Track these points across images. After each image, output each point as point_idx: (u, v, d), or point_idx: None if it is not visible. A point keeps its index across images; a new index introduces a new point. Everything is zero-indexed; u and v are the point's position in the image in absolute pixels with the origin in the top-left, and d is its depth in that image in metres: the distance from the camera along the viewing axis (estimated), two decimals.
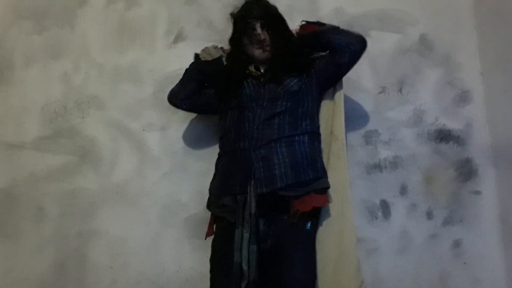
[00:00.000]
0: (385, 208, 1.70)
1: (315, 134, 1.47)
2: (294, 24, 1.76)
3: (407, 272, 1.67)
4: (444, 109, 1.75)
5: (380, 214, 1.70)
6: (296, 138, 1.40)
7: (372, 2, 1.79)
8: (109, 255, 1.71)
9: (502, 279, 1.66)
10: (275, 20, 1.49)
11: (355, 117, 1.74)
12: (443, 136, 1.73)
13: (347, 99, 1.74)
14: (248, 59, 1.51)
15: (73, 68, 1.83)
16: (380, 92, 1.75)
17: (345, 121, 1.73)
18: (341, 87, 1.55)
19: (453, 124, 1.74)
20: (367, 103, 1.75)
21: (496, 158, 1.70)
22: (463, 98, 1.75)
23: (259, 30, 1.45)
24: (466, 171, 1.72)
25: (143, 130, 1.77)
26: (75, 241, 1.73)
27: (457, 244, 1.68)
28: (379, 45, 1.76)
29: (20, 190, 1.77)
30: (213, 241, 1.42)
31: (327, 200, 1.40)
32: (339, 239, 1.40)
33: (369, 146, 1.72)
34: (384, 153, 1.72)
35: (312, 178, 1.36)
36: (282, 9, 1.75)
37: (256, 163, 1.35)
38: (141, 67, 1.81)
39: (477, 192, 1.70)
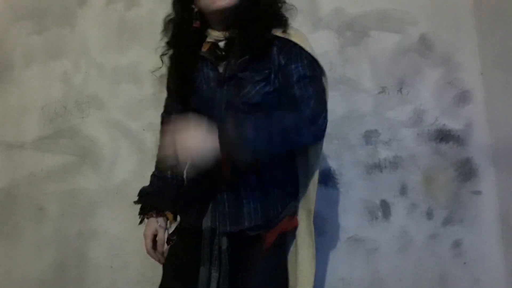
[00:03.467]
0: (385, 208, 1.70)
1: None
2: (294, 24, 1.76)
3: (407, 272, 1.67)
4: (444, 109, 1.75)
5: (380, 214, 1.70)
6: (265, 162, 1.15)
7: (372, 2, 1.79)
8: (109, 255, 1.71)
9: (502, 279, 1.66)
10: None
11: (355, 117, 1.74)
12: (443, 136, 1.73)
13: (347, 99, 1.75)
14: (202, 24, 1.17)
15: (73, 68, 1.83)
16: (380, 92, 1.75)
17: (345, 121, 1.74)
18: None
19: (453, 124, 1.74)
20: (367, 103, 1.75)
21: (496, 158, 1.70)
22: (463, 98, 1.75)
23: None
24: (466, 171, 1.72)
25: (143, 130, 1.77)
26: (75, 241, 1.73)
27: (457, 244, 1.68)
28: (379, 45, 1.76)
29: (20, 190, 1.77)
30: (171, 247, 1.26)
31: (296, 222, 1.23)
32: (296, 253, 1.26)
33: (369, 146, 1.73)
34: (384, 153, 1.72)
35: (281, 211, 1.17)
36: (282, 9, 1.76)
37: (220, 195, 1.13)
38: (141, 67, 1.81)
39: (477, 192, 1.71)
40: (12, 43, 1.86)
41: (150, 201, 1.27)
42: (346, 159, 1.72)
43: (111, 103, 1.79)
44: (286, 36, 1.12)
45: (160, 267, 1.67)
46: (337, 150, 1.72)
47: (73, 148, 1.78)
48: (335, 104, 1.74)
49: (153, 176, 1.31)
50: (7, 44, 1.87)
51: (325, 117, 1.09)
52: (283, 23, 1.14)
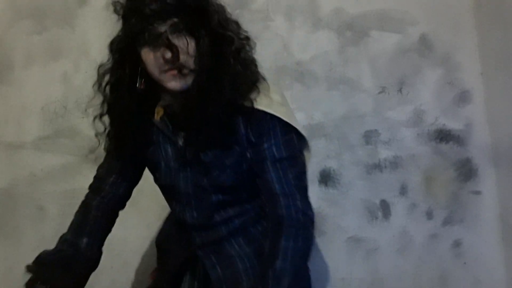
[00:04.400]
0: (385, 208, 1.70)
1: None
2: (294, 24, 1.77)
3: (407, 272, 1.67)
4: (444, 109, 1.74)
5: (380, 214, 1.70)
6: (249, 221, 1.02)
7: (372, 2, 1.79)
8: (109, 255, 1.70)
9: (502, 279, 1.66)
10: (201, 17, 0.88)
11: (355, 117, 1.74)
12: (443, 136, 1.73)
13: (347, 99, 1.75)
14: (150, 91, 0.96)
15: (73, 68, 1.83)
16: (380, 92, 1.75)
17: (345, 121, 1.74)
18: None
19: (453, 124, 1.73)
20: (367, 103, 1.74)
21: (496, 158, 1.70)
22: (463, 98, 1.75)
23: (169, 38, 0.86)
24: (466, 171, 1.72)
25: None
26: None
27: (457, 244, 1.68)
28: (379, 45, 1.76)
29: (20, 190, 1.77)
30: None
31: None
32: None
33: (369, 146, 1.72)
34: (384, 153, 1.72)
35: None
36: (282, 9, 1.76)
37: (208, 260, 1.00)
38: None
39: (477, 192, 1.70)
40: (12, 43, 1.86)
41: (49, 276, 0.99)
42: (346, 159, 1.72)
43: None
44: (253, 104, 0.92)
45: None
46: (337, 150, 1.72)
47: (73, 148, 1.78)
48: (335, 104, 1.74)
49: (63, 240, 1.06)
50: (7, 44, 1.86)
51: (311, 207, 0.96)
52: (252, 90, 0.93)
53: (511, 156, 1.62)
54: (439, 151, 1.73)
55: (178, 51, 0.85)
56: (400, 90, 1.76)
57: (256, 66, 0.97)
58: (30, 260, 1.74)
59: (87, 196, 1.12)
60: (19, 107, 1.82)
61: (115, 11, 0.93)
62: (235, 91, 0.90)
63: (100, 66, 1.02)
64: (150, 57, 0.89)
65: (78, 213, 1.09)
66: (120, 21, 0.95)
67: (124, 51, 0.94)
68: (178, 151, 0.97)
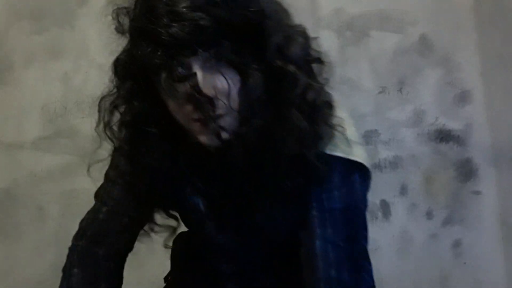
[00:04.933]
0: (385, 208, 1.70)
1: None
2: None
3: (407, 272, 1.67)
4: (444, 109, 1.74)
5: (380, 214, 1.70)
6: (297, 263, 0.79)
7: (372, 2, 1.79)
8: None
9: (502, 279, 1.66)
10: (252, 42, 0.59)
11: (355, 117, 1.72)
12: (443, 136, 1.73)
13: (347, 99, 1.74)
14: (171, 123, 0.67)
15: (73, 68, 1.82)
16: (380, 92, 1.75)
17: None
18: None
19: (453, 124, 1.73)
20: (367, 103, 1.74)
21: (496, 158, 1.70)
22: (463, 98, 1.75)
23: (200, 77, 0.57)
24: (466, 171, 1.72)
25: None
26: None
27: (457, 244, 1.68)
28: (379, 45, 1.76)
29: (20, 190, 1.77)
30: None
31: None
32: None
33: (369, 146, 1.72)
34: (384, 153, 1.72)
35: None
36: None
37: None
38: None
39: (477, 192, 1.70)
40: (12, 43, 1.86)
41: None
42: None
43: None
44: (326, 152, 0.69)
45: (161, 267, 1.67)
46: None
47: (73, 148, 1.78)
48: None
49: None
50: (7, 44, 1.86)
51: (368, 283, 0.74)
52: (324, 139, 0.68)
53: (511, 156, 1.62)
54: (439, 151, 1.73)
55: (213, 103, 0.56)
56: (400, 90, 1.76)
57: (331, 106, 0.70)
58: (30, 260, 1.74)
59: (87, 247, 0.90)
60: (19, 107, 1.82)
61: (118, 29, 0.69)
62: (301, 148, 0.63)
63: (102, 99, 0.76)
64: (172, 103, 0.62)
65: (81, 268, 0.87)
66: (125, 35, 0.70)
67: (138, 77, 0.67)
68: (214, 209, 0.74)
